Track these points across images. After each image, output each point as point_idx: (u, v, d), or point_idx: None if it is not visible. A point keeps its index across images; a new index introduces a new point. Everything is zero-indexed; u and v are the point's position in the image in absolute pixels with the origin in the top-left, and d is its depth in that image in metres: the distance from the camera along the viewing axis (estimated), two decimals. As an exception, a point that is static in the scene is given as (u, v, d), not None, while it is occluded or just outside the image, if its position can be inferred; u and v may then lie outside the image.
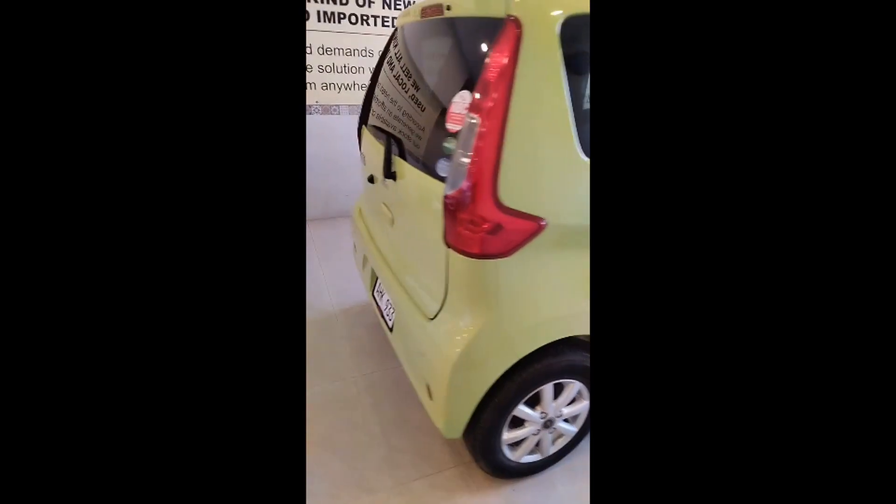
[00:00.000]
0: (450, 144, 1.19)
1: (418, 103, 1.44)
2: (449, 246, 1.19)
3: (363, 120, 2.01)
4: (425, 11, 1.47)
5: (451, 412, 1.30)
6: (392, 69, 1.70)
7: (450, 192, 1.13)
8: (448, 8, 1.33)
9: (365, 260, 1.98)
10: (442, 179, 1.20)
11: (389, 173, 1.49)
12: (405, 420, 1.80)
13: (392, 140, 1.52)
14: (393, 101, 1.63)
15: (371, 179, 1.79)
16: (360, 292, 2.63)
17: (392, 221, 1.61)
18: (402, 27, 1.71)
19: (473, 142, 1.06)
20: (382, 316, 1.76)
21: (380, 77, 1.84)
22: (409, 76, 1.56)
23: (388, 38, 1.93)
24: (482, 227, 1.10)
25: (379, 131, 1.69)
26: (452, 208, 1.13)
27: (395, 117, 1.57)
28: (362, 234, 1.99)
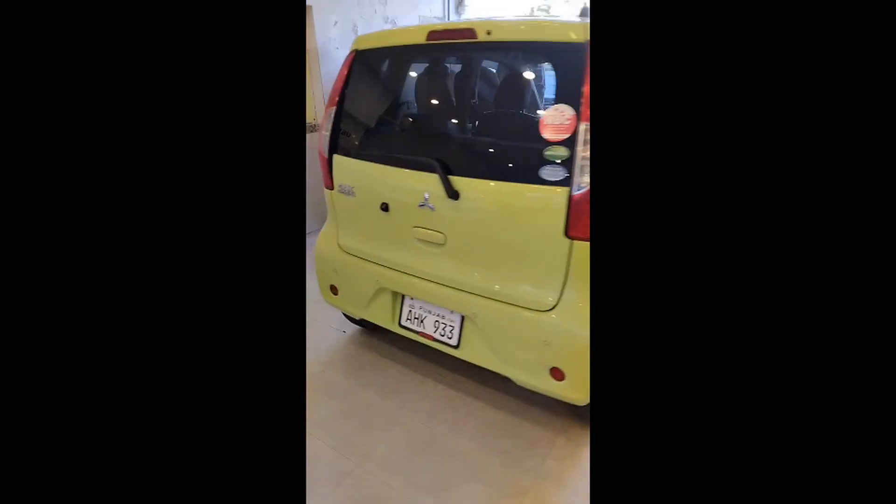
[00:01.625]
0: (556, 153, 1.35)
1: (486, 123, 1.51)
2: (573, 238, 1.37)
3: (333, 149, 1.87)
4: (441, 35, 1.54)
5: (584, 383, 1.49)
6: (414, 93, 1.68)
7: (577, 193, 1.31)
8: (489, 33, 1.46)
9: (378, 292, 1.88)
10: (551, 183, 1.36)
11: (454, 193, 1.53)
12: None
13: (440, 163, 1.54)
14: (428, 126, 1.62)
15: (385, 208, 1.73)
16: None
17: (444, 241, 1.63)
18: (397, 49, 1.69)
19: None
20: (430, 338, 1.75)
21: (380, 106, 1.76)
22: (452, 98, 1.59)
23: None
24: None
25: (400, 158, 1.66)
26: (582, 204, 1.31)
27: (440, 140, 1.58)
28: (363, 269, 1.88)
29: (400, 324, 1.87)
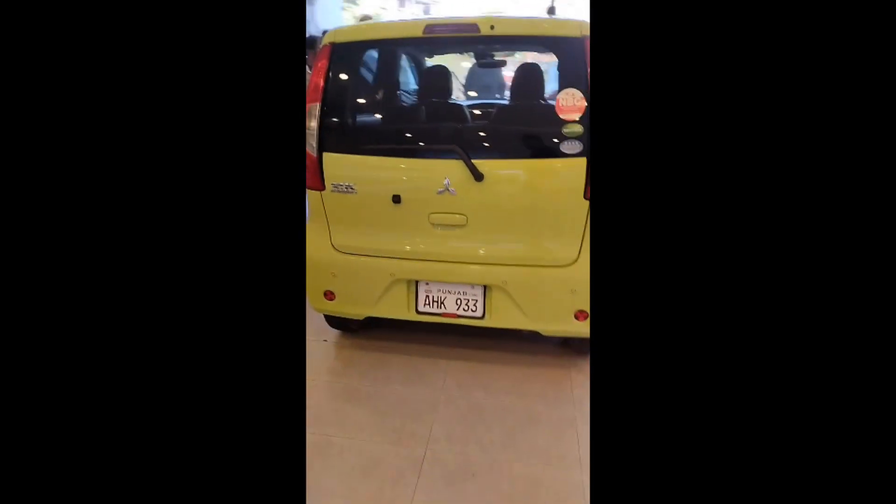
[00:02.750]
0: (572, 129, 1.62)
1: (508, 110, 1.65)
2: (589, 198, 1.67)
3: (323, 147, 1.79)
4: (441, 28, 1.64)
5: None
6: (419, 85, 1.70)
7: (597, 159, 1.61)
8: (492, 27, 1.62)
9: (391, 285, 1.90)
10: (571, 156, 1.63)
11: (479, 175, 1.67)
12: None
13: (456, 148, 1.67)
14: (442, 115, 1.68)
15: (398, 199, 1.77)
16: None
17: (465, 222, 1.76)
18: (389, 42, 1.70)
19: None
20: (454, 315, 1.88)
21: (377, 99, 1.73)
22: (462, 89, 1.68)
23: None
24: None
25: (415, 149, 1.70)
26: (602, 169, 1.62)
27: (458, 128, 1.67)
28: (371, 265, 1.87)
29: (417, 310, 1.93)
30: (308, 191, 1.87)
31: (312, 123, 1.77)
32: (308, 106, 1.77)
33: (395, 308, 1.94)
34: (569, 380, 2.02)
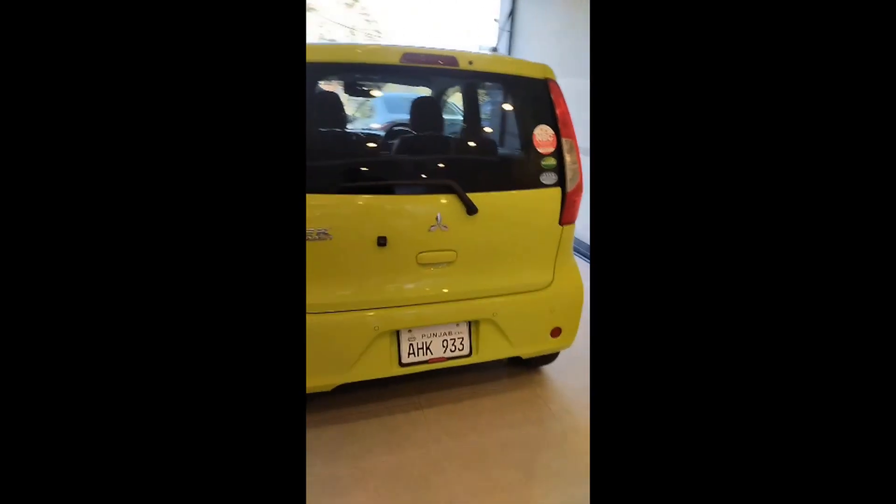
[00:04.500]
0: (549, 161, 1.73)
1: (491, 144, 1.61)
2: (564, 224, 1.81)
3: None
4: (420, 59, 1.55)
5: (576, 329, 1.98)
6: (409, 116, 1.50)
7: (571, 188, 1.76)
8: (471, 63, 1.61)
9: (374, 340, 1.65)
10: (549, 186, 1.74)
11: (474, 208, 1.62)
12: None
13: (452, 183, 1.59)
14: (430, 149, 1.55)
15: (383, 242, 1.57)
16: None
17: (454, 258, 1.68)
18: (360, 69, 1.49)
19: (576, 153, 1.76)
20: (441, 359, 1.77)
21: (351, 132, 1.46)
22: (444, 122, 1.57)
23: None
24: (578, 203, 1.85)
25: (405, 185, 1.54)
26: (574, 197, 1.78)
27: (447, 162, 1.55)
28: (350, 322, 1.60)
29: (401, 363, 1.73)
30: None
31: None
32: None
33: (376, 366, 1.69)
34: (538, 397, 2.11)
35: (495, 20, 5.89)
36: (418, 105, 1.82)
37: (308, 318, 1.55)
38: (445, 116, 1.94)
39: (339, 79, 1.69)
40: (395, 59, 1.55)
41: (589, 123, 1.67)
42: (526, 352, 1.94)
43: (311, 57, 1.42)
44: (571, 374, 2.29)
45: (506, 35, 5.66)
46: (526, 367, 2.29)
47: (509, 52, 5.67)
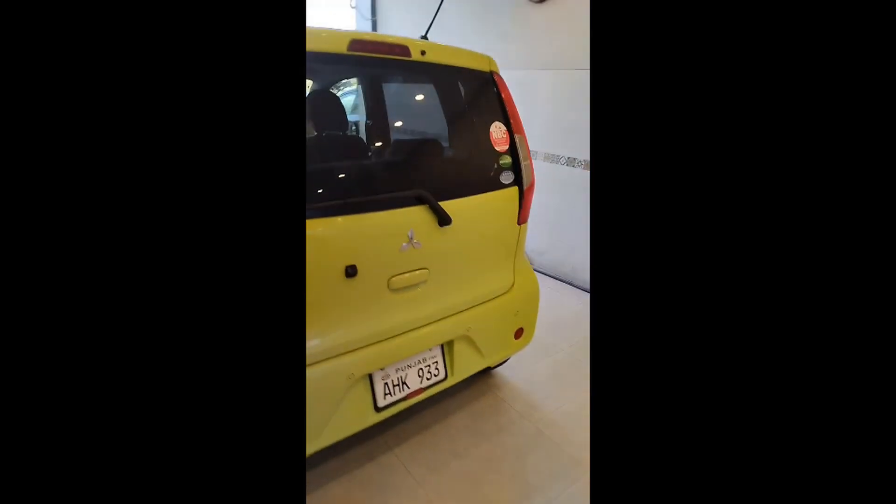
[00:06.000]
0: (506, 160, 1.62)
1: (452, 146, 1.40)
2: (521, 223, 1.74)
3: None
4: (368, 47, 1.28)
5: (535, 326, 1.95)
6: (364, 117, 1.19)
7: (527, 186, 1.69)
8: (423, 53, 1.40)
9: (347, 391, 1.38)
10: (508, 185, 1.65)
11: (447, 218, 1.43)
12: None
13: (423, 193, 1.38)
14: (389, 155, 1.29)
15: (353, 272, 1.30)
16: None
17: (427, 277, 1.49)
18: (313, 57, 1.15)
19: (527, 149, 1.69)
20: (419, 392, 1.58)
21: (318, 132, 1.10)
22: (396, 121, 1.31)
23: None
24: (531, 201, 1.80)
25: (371, 201, 1.28)
26: (529, 194, 1.71)
27: (411, 169, 1.31)
28: (319, 378, 1.30)
29: (377, 408, 1.48)
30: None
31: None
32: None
33: (350, 420, 1.42)
34: (502, 401, 2.06)
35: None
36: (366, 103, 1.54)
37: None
38: (395, 116, 1.69)
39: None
40: (342, 48, 1.25)
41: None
42: (495, 360, 1.85)
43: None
44: (517, 367, 2.29)
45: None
46: (481, 374, 2.21)
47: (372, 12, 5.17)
